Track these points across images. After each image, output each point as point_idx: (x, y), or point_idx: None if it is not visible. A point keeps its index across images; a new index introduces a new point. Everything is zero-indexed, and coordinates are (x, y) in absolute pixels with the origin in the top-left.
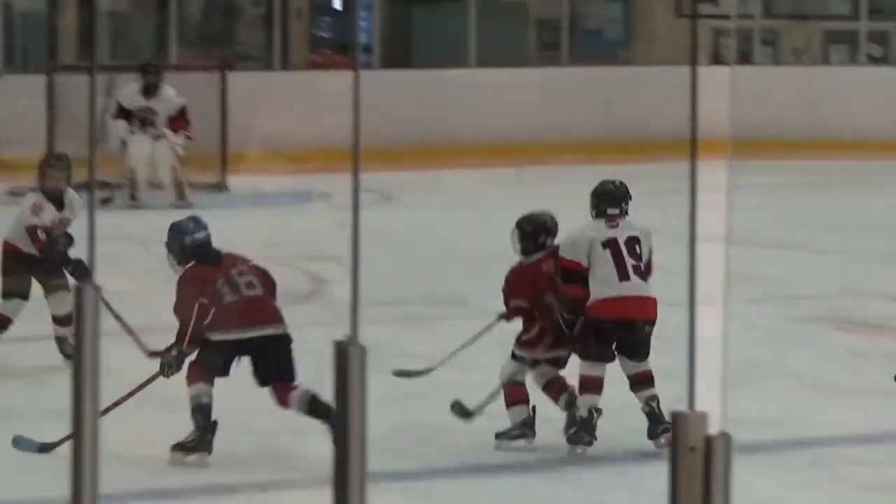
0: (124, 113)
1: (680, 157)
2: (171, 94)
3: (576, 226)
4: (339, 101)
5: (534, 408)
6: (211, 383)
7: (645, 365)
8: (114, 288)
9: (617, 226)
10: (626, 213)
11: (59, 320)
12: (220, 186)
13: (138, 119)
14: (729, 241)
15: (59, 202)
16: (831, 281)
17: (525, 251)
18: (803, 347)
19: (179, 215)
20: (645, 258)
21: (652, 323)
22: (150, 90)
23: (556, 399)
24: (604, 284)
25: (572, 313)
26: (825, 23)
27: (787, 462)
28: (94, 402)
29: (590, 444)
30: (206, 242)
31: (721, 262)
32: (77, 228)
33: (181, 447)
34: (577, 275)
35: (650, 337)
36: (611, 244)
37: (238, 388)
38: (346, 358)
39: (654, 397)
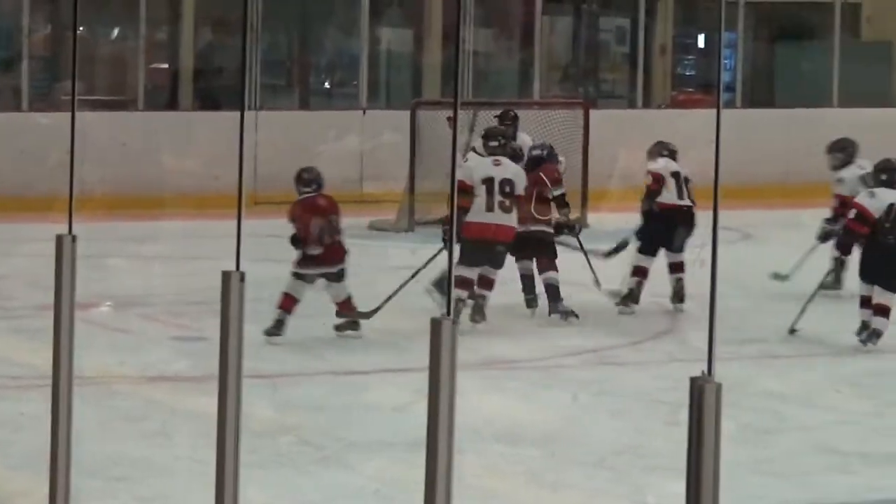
0: None
1: None
2: (526, 142)
3: None
4: (700, 139)
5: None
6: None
7: None
8: None
9: None
10: None
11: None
12: (580, 223)
13: None
14: None
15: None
16: None
17: None
18: None
19: None
20: None
21: None
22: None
23: None
24: None
25: None
26: None
27: None
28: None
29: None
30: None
31: None
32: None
33: None
34: None
35: None
36: None
37: (593, 426)
38: (702, 394)
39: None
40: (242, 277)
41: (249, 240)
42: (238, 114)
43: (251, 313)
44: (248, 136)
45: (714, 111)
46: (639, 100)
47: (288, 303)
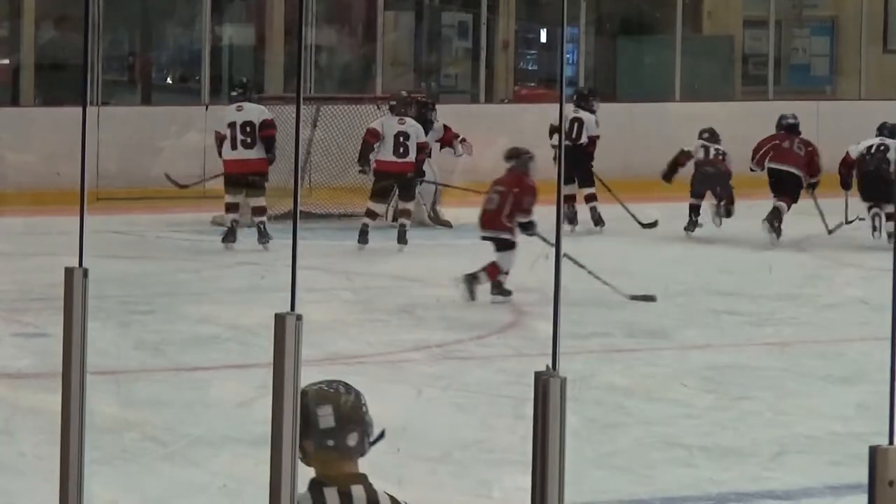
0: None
1: None
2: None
3: None
4: (543, 133)
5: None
6: None
7: None
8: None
9: None
10: None
11: None
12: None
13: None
14: None
15: None
16: None
17: None
18: None
19: None
20: None
21: None
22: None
23: None
24: None
25: None
26: None
27: None
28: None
29: None
30: None
31: None
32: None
33: None
34: None
35: None
36: None
37: (438, 420)
38: (547, 389)
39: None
40: (85, 273)
41: (92, 236)
42: (80, 109)
43: (94, 310)
44: (90, 131)
45: (556, 105)
46: (481, 94)
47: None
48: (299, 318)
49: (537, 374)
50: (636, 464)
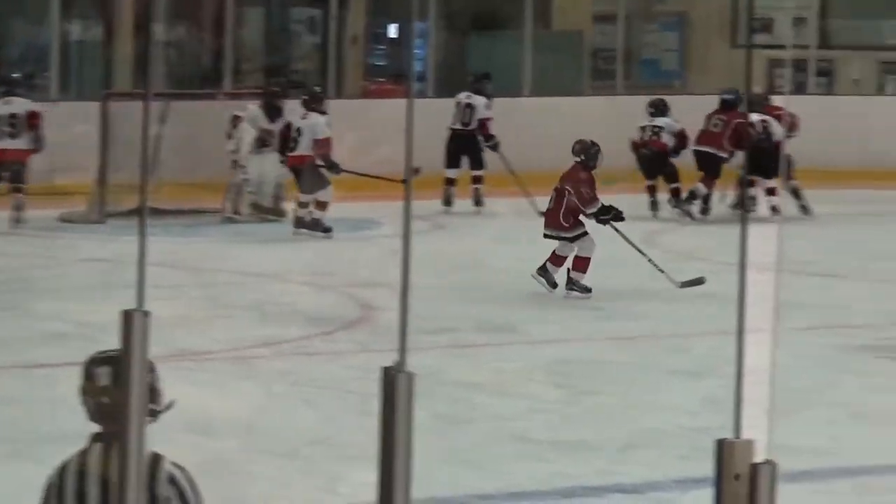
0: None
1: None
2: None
3: None
4: (392, 129)
5: None
6: None
7: None
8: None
9: None
10: None
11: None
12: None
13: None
14: (780, 270)
15: None
16: (881, 310)
17: None
18: (851, 376)
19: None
20: None
21: None
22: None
23: None
24: None
25: None
26: (880, 53)
27: (832, 490)
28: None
29: None
30: None
31: (771, 290)
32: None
33: None
34: None
35: None
36: None
37: (286, 416)
38: (394, 384)
39: None
40: None
41: None
42: None
43: None
44: None
45: (405, 101)
46: (330, 90)
47: None
48: (147, 314)
49: (385, 370)
50: (485, 459)
